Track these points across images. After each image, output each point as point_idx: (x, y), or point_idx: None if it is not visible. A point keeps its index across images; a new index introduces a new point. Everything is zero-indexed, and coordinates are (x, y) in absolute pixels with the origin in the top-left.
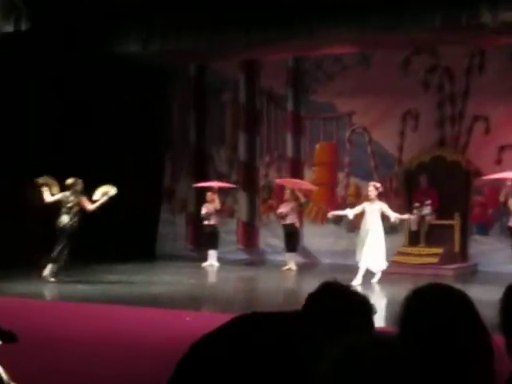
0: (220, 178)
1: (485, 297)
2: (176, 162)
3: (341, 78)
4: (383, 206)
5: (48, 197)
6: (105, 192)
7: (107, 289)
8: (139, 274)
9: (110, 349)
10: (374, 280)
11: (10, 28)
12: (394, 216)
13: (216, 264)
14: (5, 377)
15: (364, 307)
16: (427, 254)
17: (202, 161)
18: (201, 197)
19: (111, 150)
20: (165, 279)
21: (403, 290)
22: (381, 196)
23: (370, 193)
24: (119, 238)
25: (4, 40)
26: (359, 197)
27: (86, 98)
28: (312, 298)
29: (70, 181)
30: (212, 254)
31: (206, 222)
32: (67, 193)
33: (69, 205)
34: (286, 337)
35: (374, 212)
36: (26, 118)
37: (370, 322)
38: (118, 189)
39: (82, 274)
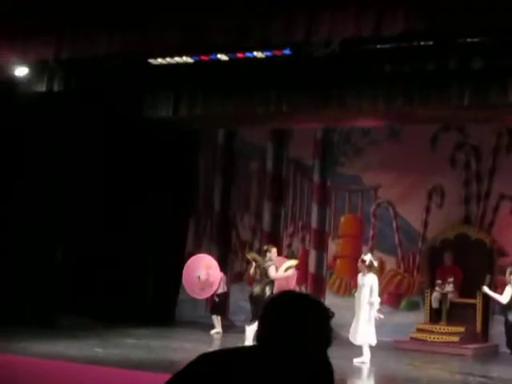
0: (243, 246)
1: (506, 376)
2: (199, 228)
3: (368, 151)
4: (374, 281)
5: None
6: (289, 267)
7: (126, 353)
8: (158, 340)
9: None
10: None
11: (42, 87)
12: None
13: (220, 330)
14: None
15: (321, 313)
16: (448, 333)
17: (226, 227)
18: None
19: (136, 212)
20: (183, 346)
21: (421, 367)
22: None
23: (361, 266)
24: (140, 302)
25: (36, 99)
26: (383, 270)
27: (114, 162)
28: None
29: (264, 247)
30: (218, 321)
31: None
32: (261, 259)
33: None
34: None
35: (364, 285)
36: (53, 180)
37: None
38: (140, 251)
39: (102, 336)
